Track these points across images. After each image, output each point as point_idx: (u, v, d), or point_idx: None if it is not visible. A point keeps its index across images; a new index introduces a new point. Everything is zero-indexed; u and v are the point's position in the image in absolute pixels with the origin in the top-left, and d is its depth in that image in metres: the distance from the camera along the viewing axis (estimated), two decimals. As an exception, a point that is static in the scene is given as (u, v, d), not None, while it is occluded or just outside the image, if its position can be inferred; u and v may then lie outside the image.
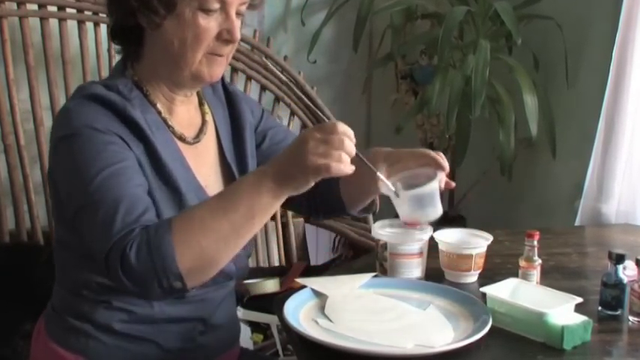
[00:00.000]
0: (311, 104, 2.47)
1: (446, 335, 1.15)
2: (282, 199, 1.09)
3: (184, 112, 1.30)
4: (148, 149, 1.20)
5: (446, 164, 1.23)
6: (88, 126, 1.15)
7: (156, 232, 1.06)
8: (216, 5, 1.18)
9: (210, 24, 1.19)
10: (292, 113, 2.47)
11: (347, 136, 1.06)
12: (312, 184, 1.09)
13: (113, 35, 1.26)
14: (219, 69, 1.24)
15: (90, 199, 1.11)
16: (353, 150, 1.07)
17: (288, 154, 1.09)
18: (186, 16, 1.18)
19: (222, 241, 1.07)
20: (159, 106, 1.26)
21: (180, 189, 1.21)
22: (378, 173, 1.18)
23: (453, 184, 1.25)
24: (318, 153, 1.05)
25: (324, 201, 1.39)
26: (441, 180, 1.21)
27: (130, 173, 1.14)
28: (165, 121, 1.26)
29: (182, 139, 1.28)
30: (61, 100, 2.13)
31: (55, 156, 1.19)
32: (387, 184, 1.19)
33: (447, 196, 2.97)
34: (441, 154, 1.24)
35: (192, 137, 1.30)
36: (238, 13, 1.21)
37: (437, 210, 1.21)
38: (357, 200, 1.37)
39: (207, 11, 1.18)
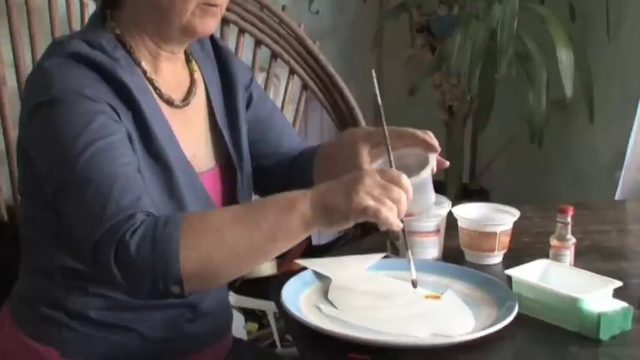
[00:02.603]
0: (313, 61, 2.45)
1: (466, 323, 1.16)
2: (311, 230, 1.09)
3: (170, 72, 1.30)
4: (136, 119, 1.20)
5: (436, 144, 1.23)
6: (75, 92, 1.14)
7: (165, 227, 1.06)
8: None
9: None
10: (291, 72, 2.45)
11: (407, 194, 1.08)
12: (351, 225, 1.09)
13: None
14: (213, 21, 1.23)
15: (76, 177, 1.11)
16: (405, 211, 1.08)
17: (337, 184, 1.09)
18: None
19: (235, 257, 1.08)
20: (143, 64, 1.26)
21: (171, 166, 1.21)
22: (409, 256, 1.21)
23: (447, 163, 1.25)
24: (372, 194, 1.06)
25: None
26: (433, 165, 1.21)
27: (121, 149, 1.15)
28: (151, 82, 1.26)
29: (169, 102, 1.27)
30: (27, 56, 2.11)
31: (31, 125, 1.18)
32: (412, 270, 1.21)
33: (468, 166, 2.97)
34: (430, 132, 1.24)
35: (181, 100, 1.30)
36: None
37: (429, 199, 1.23)
38: None
39: None
